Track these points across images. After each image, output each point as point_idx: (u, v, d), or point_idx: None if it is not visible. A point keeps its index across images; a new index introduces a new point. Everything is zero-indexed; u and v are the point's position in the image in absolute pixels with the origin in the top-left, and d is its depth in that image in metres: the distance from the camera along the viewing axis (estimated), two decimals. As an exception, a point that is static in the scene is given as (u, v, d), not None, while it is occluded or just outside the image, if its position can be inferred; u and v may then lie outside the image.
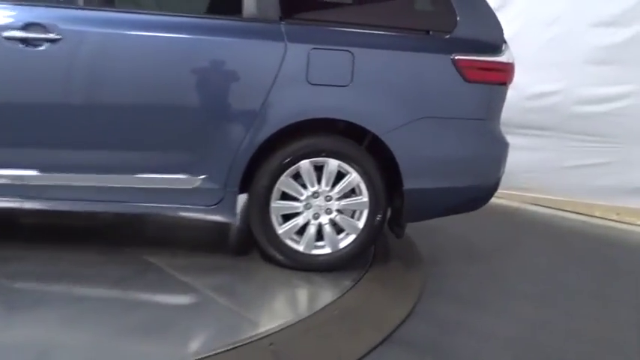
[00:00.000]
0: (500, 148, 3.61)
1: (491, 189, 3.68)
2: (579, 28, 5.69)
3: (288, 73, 3.29)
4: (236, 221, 3.52)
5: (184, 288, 3.21)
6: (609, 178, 5.81)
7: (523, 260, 4.38)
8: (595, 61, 5.68)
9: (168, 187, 3.38)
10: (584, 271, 4.29)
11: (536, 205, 6.08)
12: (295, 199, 3.51)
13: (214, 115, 3.32)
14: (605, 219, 5.80)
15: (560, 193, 5.99)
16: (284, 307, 3.28)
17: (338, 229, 3.59)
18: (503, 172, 3.70)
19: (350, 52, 3.31)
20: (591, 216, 5.84)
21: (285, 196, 3.52)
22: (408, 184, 3.47)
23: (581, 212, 5.88)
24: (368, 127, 3.41)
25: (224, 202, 3.43)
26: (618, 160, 5.77)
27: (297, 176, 3.50)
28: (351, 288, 3.44)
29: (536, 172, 6.02)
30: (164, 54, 3.23)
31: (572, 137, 5.88)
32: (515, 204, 6.00)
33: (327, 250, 3.58)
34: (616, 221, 5.77)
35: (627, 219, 5.80)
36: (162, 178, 3.35)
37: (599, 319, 3.50)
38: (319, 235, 3.57)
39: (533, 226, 5.44)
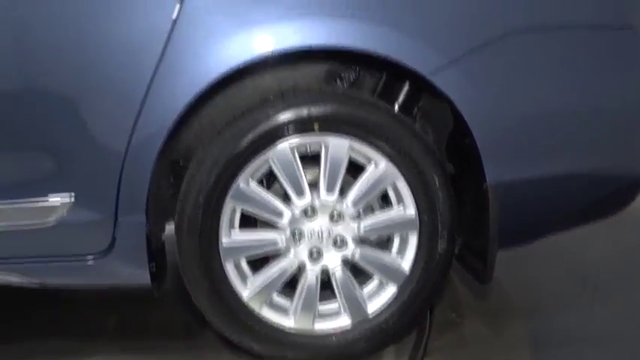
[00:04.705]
0: None
1: None
2: None
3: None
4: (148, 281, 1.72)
5: None
6: None
7: None
8: None
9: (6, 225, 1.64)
10: None
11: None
12: (269, 224, 1.74)
13: (69, 73, 1.62)
14: None
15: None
16: None
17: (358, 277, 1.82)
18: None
19: None
20: None
21: (247, 222, 1.76)
22: (496, 173, 1.69)
23: None
24: (401, 61, 1.63)
25: (119, 247, 1.67)
26: None
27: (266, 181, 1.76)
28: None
29: None
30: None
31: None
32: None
33: (344, 322, 1.79)
34: None
35: None
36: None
37: None
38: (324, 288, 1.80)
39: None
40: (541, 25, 1.68)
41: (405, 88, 1.85)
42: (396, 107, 1.83)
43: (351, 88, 1.87)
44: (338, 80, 1.87)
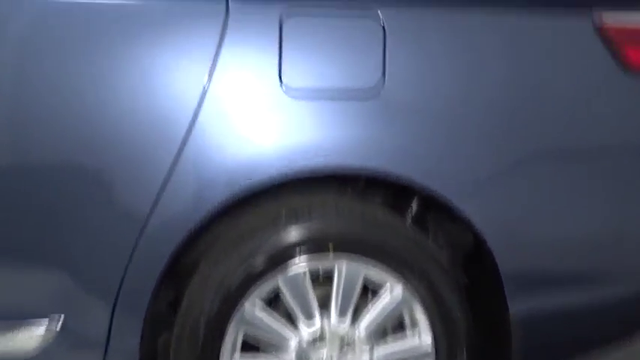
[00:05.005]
0: None
1: None
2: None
3: (234, 73, 1.48)
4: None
5: None
6: None
7: None
8: None
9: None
10: None
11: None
12: (274, 350, 1.61)
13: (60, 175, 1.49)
14: None
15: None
16: None
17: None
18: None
19: (377, 16, 1.50)
20: None
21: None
22: (519, 303, 1.60)
23: None
24: (423, 185, 1.55)
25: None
26: None
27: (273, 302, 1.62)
28: None
29: None
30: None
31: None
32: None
33: None
34: None
35: None
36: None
37: None
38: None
39: None
40: (567, 147, 1.62)
41: (416, 202, 1.76)
42: (409, 220, 1.74)
43: (360, 199, 1.77)
44: (349, 190, 1.79)
